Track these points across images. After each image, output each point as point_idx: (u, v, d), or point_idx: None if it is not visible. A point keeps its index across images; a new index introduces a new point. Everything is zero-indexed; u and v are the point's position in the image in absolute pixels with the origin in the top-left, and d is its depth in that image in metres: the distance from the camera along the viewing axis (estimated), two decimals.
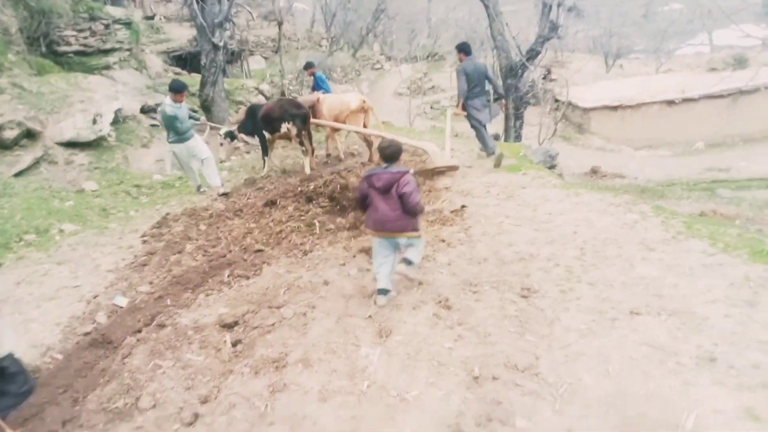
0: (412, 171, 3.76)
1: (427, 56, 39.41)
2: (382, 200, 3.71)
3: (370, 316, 3.67)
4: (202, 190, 7.79)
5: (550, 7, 16.57)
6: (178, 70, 24.36)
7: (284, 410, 2.81)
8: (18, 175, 8.10)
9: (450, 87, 30.77)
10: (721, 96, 20.60)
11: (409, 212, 3.68)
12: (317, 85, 10.39)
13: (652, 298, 3.47)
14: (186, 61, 26.44)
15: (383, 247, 3.86)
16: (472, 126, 7.64)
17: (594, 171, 18.07)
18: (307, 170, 7.68)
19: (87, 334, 3.94)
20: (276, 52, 34.10)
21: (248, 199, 7.08)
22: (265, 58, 33.21)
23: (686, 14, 39.96)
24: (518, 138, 16.58)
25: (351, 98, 8.18)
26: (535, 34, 17.79)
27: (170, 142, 7.35)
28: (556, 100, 23.32)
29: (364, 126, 8.03)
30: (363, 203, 3.90)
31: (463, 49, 7.48)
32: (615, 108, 23.24)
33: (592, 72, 30.72)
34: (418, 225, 3.84)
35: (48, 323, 4.15)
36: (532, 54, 16.86)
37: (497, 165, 7.21)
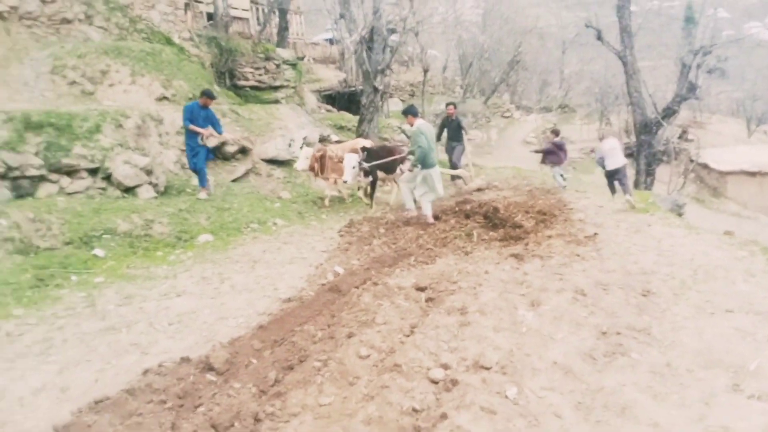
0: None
1: (558, 107, 40.12)
2: None
3: (523, 294, 5.12)
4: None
5: (690, 67, 17.07)
6: (329, 107, 27.55)
7: (470, 334, 4.32)
8: (234, 181, 10.56)
9: (579, 140, 31.39)
10: None
11: None
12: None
13: (744, 304, 4.59)
14: (335, 99, 29.67)
15: None
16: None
17: (727, 235, 17.97)
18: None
19: (323, 285, 5.76)
20: (413, 95, 36.81)
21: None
22: (403, 101, 35.97)
23: None
24: None
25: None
26: (673, 93, 18.22)
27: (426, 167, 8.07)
28: (691, 160, 23.26)
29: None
30: None
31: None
32: (754, 174, 22.73)
33: (732, 135, 29.95)
34: None
35: (295, 276, 6.08)
36: (668, 112, 17.19)
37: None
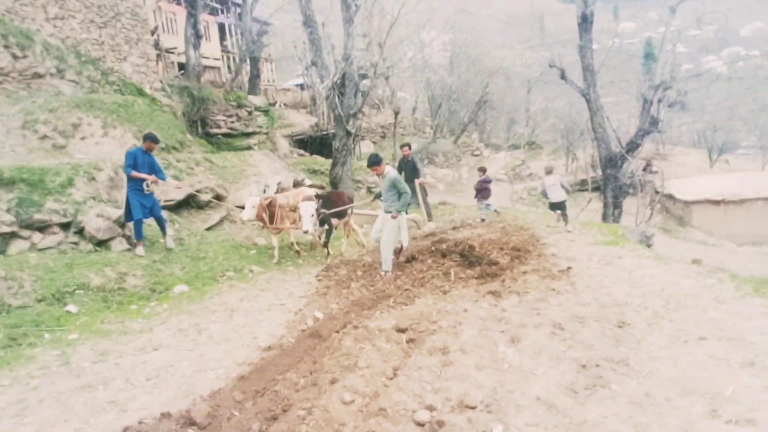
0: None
1: (525, 144, 41.16)
2: None
3: (502, 331, 5.17)
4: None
5: (651, 102, 17.77)
6: (301, 151, 27.80)
7: (453, 373, 4.34)
8: (208, 229, 10.51)
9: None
10: None
11: None
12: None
13: (716, 331, 4.74)
14: (307, 144, 29.98)
15: None
16: None
17: (694, 263, 18.43)
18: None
19: (303, 330, 5.73)
20: (384, 137, 37.37)
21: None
22: (374, 143, 36.51)
23: None
24: None
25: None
26: (636, 127, 18.88)
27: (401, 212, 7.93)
28: (657, 192, 24.00)
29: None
30: None
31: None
32: (718, 202, 23.56)
33: (695, 166, 31.07)
34: None
35: (274, 323, 6.04)
36: (632, 146, 17.76)
37: None
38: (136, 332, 5.91)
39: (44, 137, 10.56)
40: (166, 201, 10.19)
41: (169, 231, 9.04)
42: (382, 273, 7.71)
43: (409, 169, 11.59)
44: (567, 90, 28.18)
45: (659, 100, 17.37)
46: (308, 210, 8.43)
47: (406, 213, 8.70)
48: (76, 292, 6.81)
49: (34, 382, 4.80)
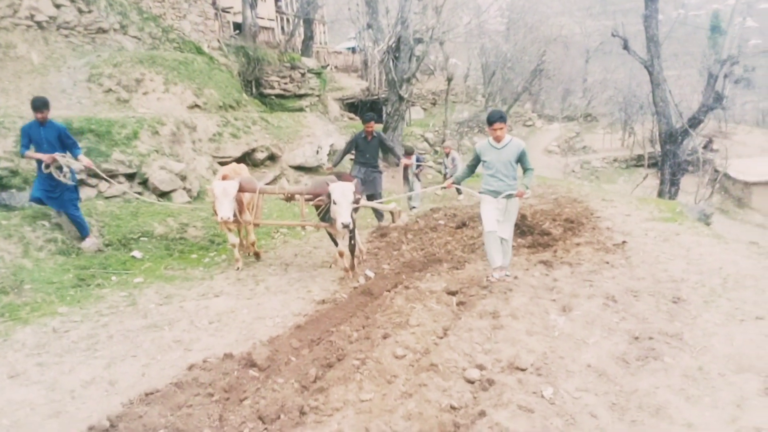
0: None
1: (580, 116, 39.90)
2: None
3: (554, 300, 5.19)
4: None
5: (716, 77, 16.95)
6: (351, 115, 27.84)
7: (503, 336, 4.41)
8: None
9: (602, 149, 31.21)
10: None
11: None
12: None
13: None
14: (357, 108, 29.97)
15: None
16: None
17: (752, 244, 17.74)
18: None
19: (355, 288, 5.90)
20: (434, 104, 36.95)
21: (438, 222, 8.95)
22: (424, 110, 36.14)
23: None
24: None
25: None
26: (698, 102, 18.08)
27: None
28: (716, 171, 23.01)
29: None
30: None
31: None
32: None
33: (758, 146, 29.52)
34: None
35: (327, 279, 6.25)
36: (694, 122, 17.07)
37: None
38: (198, 279, 6.22)
39: (109, 91, 10.95)
40: (222, 157, 10.50)
41: (92, 237, 6.87)
42: (496, 277, 5.61)
43: (372, 147, 8.67)
44: (627, 61, 27.03)
45: (725, 76, 16.59)
46: (346, 194, 5.82)
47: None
48: (141, 239, 7.17)
49: (103, 319, 5.15)
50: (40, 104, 6.30)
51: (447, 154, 12.53)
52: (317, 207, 6.30)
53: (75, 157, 6.54)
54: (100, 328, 4.95)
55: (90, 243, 6.79)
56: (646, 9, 16.77)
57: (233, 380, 3.78)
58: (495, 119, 5.48)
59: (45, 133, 6.37)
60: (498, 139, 5.52)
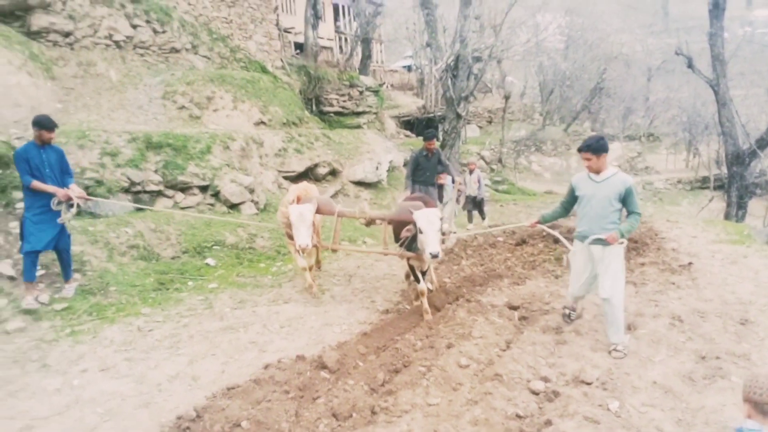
0: None
1: (642, 136, 38.81)
2: None
3: None
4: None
5: None
6: (407, 132, 28.17)
7: (567, 351, 4.47)
8: None
9: (665, 170, 30.25)
10: None
11: None
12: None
13: None
14: (413, 125, 30.27)
15: None
16: None
17: None
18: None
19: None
20: (490, 122, 36.82)
21: (497, 238, 9.01)
22: (480, 127, 36.08)
23: None
24: None
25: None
26: (767, 123, 17.37)
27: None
28: None
29: None
30: None
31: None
32: None
33: None
34: None
35: (389, 290, 6.45)
36: (762, 143, 16.41)
37: None
38: (268, 287, 6.54)
39: (182, 107, 11.61)
40: (286, 172, 10.94)
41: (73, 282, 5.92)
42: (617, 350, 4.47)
43: (431, 166, 8.26)
44: (691, 80, 26.20)
45: None
46: (432, 222, 5.22)
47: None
48: (214, 247, 7.59)
49: (184, 320, 5.51)
50: (51, 123, 5.39)
51: (471, 171, 11.35)
52: (396, 233, 5.90)
53: (67, 186, 5.54)
54: (181, 329, 5.30)
55: (73, 288, 5.85)
56: (711, 27, 16.34)
57: (306, 380, 4.01)
58: (582, 147, 4.50)
59: (47, 156, 5.39)
60: (596, 171, 4.53)
